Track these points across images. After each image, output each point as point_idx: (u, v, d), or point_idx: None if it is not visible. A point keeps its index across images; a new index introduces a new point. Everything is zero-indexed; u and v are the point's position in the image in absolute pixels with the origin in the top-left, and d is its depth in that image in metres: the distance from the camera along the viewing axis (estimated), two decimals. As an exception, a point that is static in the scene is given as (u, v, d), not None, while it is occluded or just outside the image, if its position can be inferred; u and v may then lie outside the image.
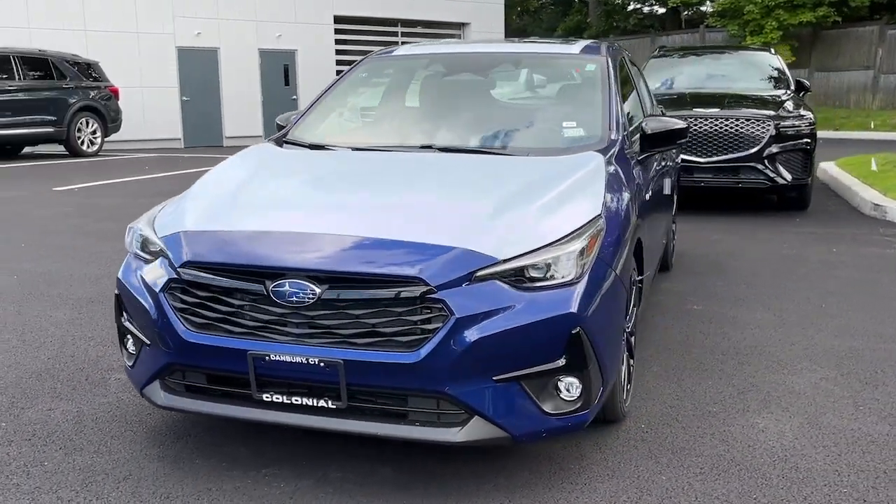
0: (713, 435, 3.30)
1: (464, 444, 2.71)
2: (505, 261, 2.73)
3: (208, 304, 2.84)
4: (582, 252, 2.84)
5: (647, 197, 4.04)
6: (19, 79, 15.60)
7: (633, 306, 3.57)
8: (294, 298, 2.70)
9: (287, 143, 4.09)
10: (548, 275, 2.77)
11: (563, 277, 2.78)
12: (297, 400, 2.79)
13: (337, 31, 24.59)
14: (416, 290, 2.65)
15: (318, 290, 2.69)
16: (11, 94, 15.39)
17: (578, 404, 2.84)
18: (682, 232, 7.55)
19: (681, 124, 4.08)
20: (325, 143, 3.98)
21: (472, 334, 2.63)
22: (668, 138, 4.06)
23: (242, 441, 3.22)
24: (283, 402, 2.81)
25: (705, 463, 3.07)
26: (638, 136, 4.06)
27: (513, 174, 3.35)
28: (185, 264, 2.88)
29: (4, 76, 15.34)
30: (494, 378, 2.70)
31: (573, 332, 2.73)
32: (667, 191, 4.93)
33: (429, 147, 3.76)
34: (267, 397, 2.82)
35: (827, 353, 4.31)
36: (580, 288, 2.78)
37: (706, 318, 4.92)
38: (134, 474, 2.97)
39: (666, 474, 2.98)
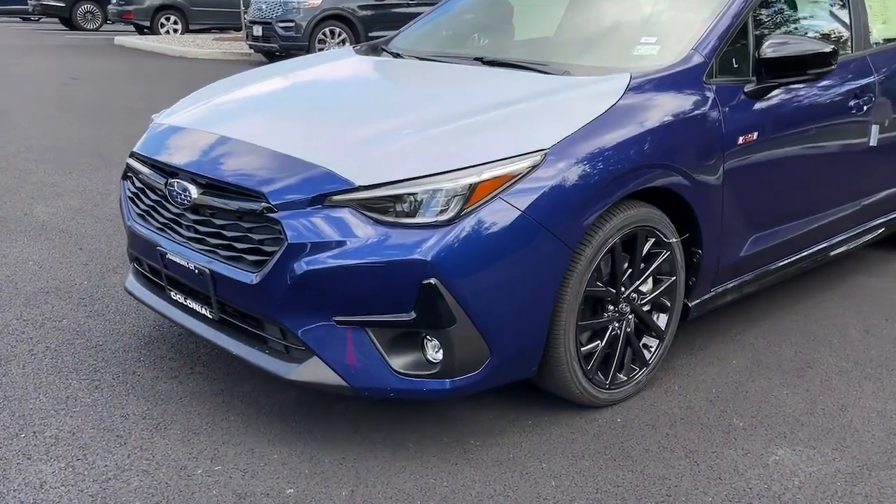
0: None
1: (298, 384, 2.46)
2: (362, 187, 2.34)
3: (140, 195, 2.91)
4: (470, 189, 2.31)
5: (773, 144, 3.10)
6: None
7: (670, 276, 2.87)
8: (179, 199, 2.64)
9: (384, 50, 3.90)
10: (414, 210, 2.32)
11: (432, 217, 2.31)
12: (190, 303, 2.76)
13: None
14: (258, 206, 2.41)
15: (194, 194, 2.58)
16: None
17: (436, 369, 2.38)
18: None
19: (822, 48, 3.01)
20: (403, 51, 3.72)
21: (306, 264, 2.32)
22: (797, 66, 3.04)
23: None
24: (182, 304, 2.80)
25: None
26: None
27: (496, 93, 2.82)
28: (132, 154, 2.97)
29: None
30: (336, 319, 2.37)
31: (425, 282, 2.26)
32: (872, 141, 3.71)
33: (479, 59, 3.31)
34: (174, 296, 2.82)
35: (794, 423, 2.99)
36: (450, 233, 2.28)
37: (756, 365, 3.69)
38: (102, 345, 3.21)
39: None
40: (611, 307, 2.73)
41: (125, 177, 3.03)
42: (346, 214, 2.33)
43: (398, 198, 2.32)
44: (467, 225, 2.30)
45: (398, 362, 2.39)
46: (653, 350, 2.92)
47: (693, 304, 3.06)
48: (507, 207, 2.34)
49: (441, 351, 2.36)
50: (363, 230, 2.32)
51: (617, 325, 2.77)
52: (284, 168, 2.45)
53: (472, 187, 2.32)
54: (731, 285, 3.23)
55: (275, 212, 2.37)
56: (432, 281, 2.26)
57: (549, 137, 2.47)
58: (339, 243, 2.31)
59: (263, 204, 2.38)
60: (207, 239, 2.57)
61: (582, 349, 2.66)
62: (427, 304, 2.29)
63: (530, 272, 2.41)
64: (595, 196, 2.50)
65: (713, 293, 3.16)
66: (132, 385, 2.89)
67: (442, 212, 2.30)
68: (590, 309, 2.69)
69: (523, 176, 2.38)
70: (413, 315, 2.31)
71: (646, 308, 2.86)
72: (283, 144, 2.55)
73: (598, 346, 2.72)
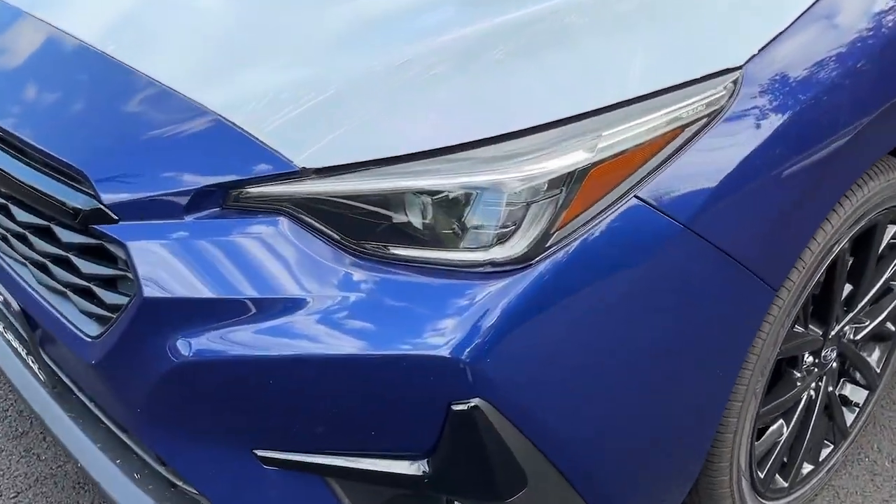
0: None
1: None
2: (312, 172, 0.97)
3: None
4: (570, 181, 0.95)
5: None
6: None
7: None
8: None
9: None
10: (435, 231, 0.97)
11: (477, 249, 0.96)
12: (12, 340, 1.47)
13: None
14: (79, 204, 1.06)
15: (-19, 148, 1.24)
16: None
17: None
18: None
19: None
20: None
21: (190, 346, 1.01)
22: None
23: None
24: (2, 335, 1.51)
25: None
26: None
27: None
28: None
29: None
30: (259, 454, 1.08)
31: (457, 408, 0.95)
32: None
33: None
34: (-9, 320, 1.53)
35: None
36: (518, 288, 0.94)
37: None
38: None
39: None
40: (810, 359, 1.43)
41: None
42: (275, 232, 0.99)
43: (396, 201, 0.97)
44: (560, 269, 0.95)
45: (397, 549, 1.11)
46: (858, 408, 1.64)
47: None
48: (650, 218, 0.98)
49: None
50: (315, 272, 0.98)
51: (813, 386, 1.47)
52: (145, 112, 1.09)
53: (577, 177, 0.95)
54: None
55: (113, 221, 1.02)
56: (475, 404, 0.95)
57: (739, 45, 1.06)
58: (260, 305, 0.98)
59: (89, 200, 1.04)
60: (12, 241, 1.25)
61: (756, 445, 1.39)
62: (462, 449, 0.99)
63: (690, 359, 1.09)
64: (830, 166, 1.13)
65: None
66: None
67: (500, 240, 0.95)
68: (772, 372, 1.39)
69: (694, 136, 1.00)
70: (427, 469, 1.01)
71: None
72: (155, 60, 1.17)
73: (781, 436, 1.44)
